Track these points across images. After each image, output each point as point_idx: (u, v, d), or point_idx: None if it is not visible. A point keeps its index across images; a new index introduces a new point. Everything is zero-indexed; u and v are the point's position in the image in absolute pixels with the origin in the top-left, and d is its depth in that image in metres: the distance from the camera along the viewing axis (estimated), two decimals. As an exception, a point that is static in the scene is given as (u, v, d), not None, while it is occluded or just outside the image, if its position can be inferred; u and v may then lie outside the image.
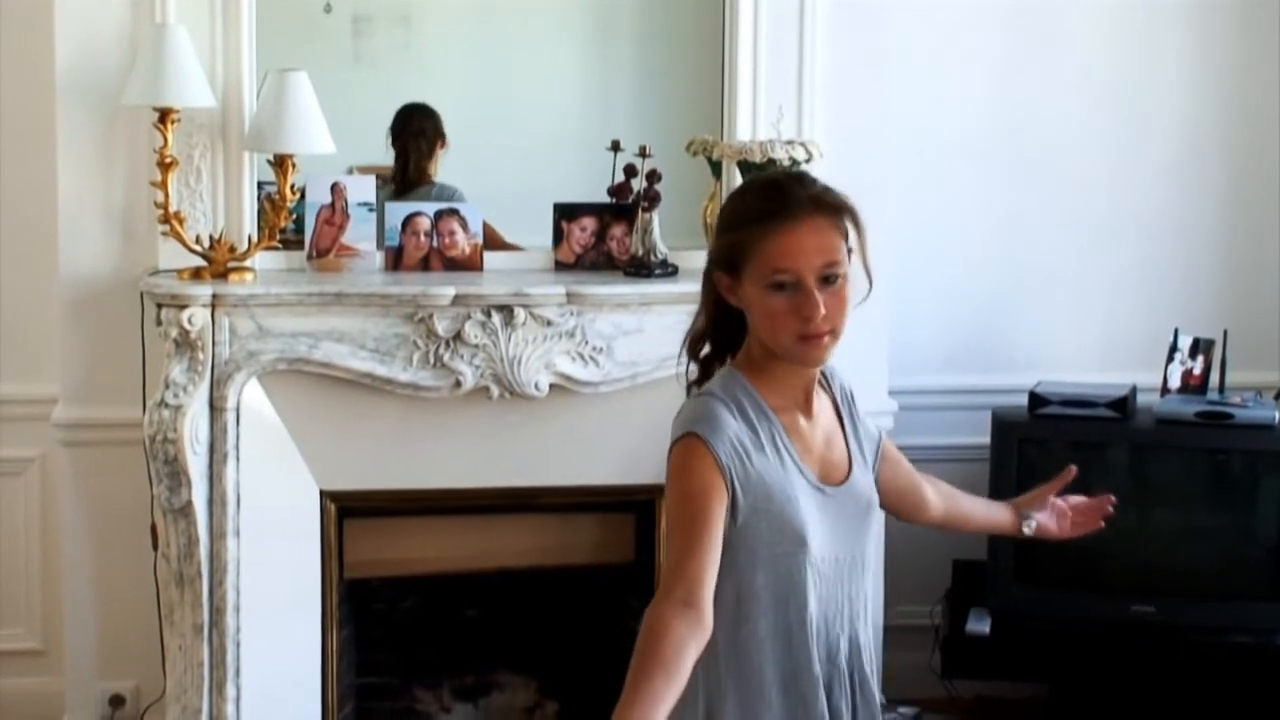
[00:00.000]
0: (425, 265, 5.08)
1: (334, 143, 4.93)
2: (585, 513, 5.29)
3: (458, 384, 4.92)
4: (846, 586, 2.88)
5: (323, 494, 5.04)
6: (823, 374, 2.97)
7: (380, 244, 5.09)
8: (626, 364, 4.98)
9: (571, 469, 5.12)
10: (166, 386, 4.77)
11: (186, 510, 4.82)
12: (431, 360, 4.91)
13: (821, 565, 2.83)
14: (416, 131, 5.33)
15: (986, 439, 5.38)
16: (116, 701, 5.21)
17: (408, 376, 4.91)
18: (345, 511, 5.09)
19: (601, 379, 5.00)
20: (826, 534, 2.84)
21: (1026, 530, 3.23)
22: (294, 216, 4.98)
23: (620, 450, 5.12)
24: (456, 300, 4.89)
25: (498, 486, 5.11)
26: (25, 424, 5.32)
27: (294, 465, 4.98)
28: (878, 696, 2.94)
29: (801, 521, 2.80)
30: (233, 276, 4.88)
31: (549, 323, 4.93)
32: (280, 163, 4.91)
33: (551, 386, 4.96)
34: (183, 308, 4.78)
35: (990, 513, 3.27)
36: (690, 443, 2.75)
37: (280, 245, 5.01)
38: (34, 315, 5.30)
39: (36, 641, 5.44)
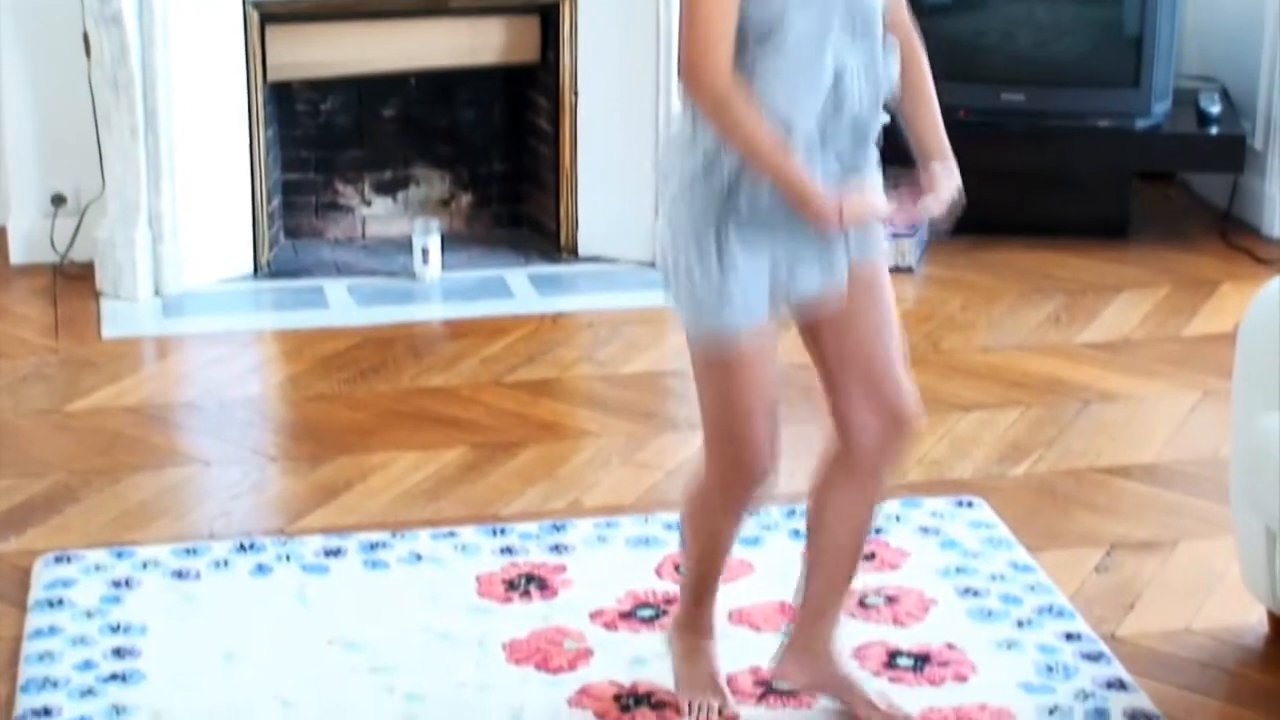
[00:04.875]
0: None
1: None
2: (493, 15, 5.58)
3: (369, -107, 5.14)
4: (860, 44, 2.93)
5: (245, 1, 5.30)
6: None
7: None
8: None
9: (479, -26, 5.42)
10: (91, -101, 4.97)
11: (118, 18, 5.08)
12: None
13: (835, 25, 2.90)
14: None
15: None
16: (59, 200, 5.55)
17: (321, -113, 5.12)
18: (267, 18, 5.35)
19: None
20: None
21: (923, 172, 3.08)
22: None
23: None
24: None
25: (411, -8, 5.41)
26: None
27: (216, -26, 5.24)
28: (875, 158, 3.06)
29: None
30: None
31: None
32: None
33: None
34: None
35: (923, 133, 3.08)
36: None
37: None
38: None
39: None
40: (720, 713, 3.28)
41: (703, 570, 3.30)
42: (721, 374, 3.05)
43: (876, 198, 2.98)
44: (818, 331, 3.11)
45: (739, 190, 2.94)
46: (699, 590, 3.33)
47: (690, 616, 3.35)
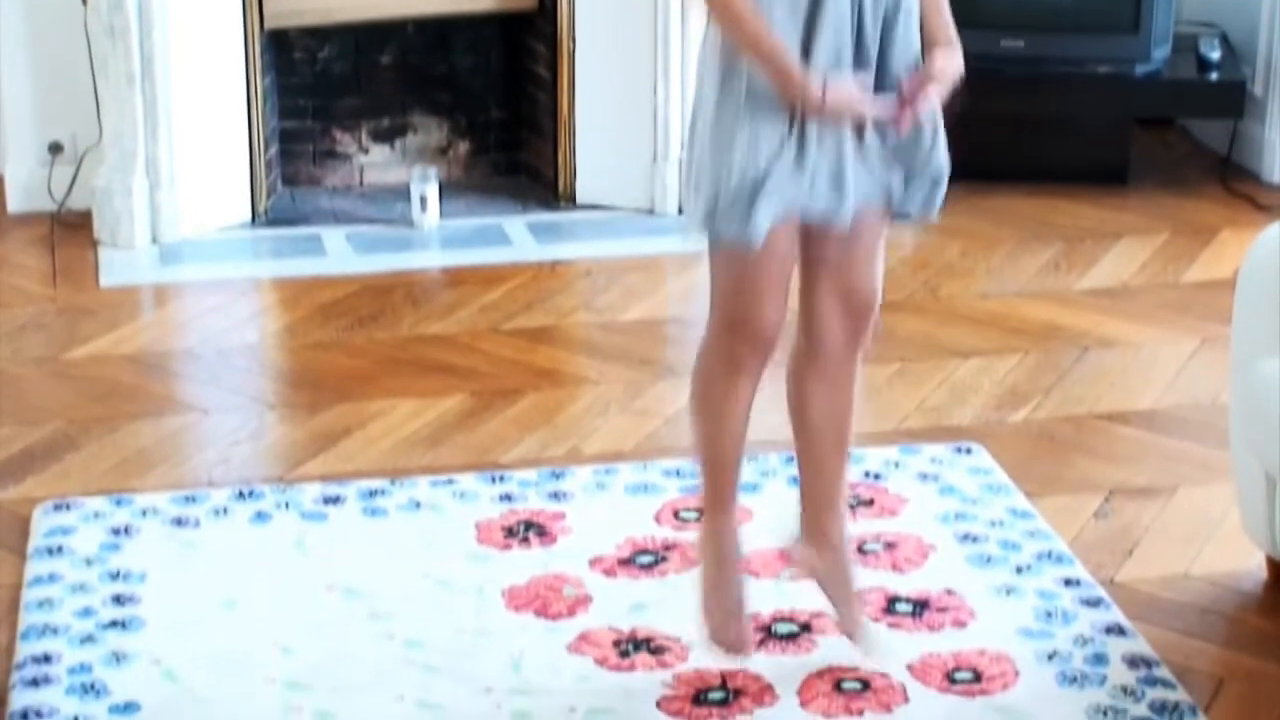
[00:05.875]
0: None
1: None
2: (491, -39, 5.57)
3: None
4: None
5: (241, -52, 5.29)
6: None
7: None
8: None
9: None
10: None
11: (113, -35, 5.07)
12: None
13: None
14: None
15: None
16: (55, 148, 5.53)
17: None
18: (263, -36, 5.35)
19: None
20: None
21: (925, 60, 3.05)
22: None
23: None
24: None
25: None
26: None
27: (212, -80, 5.21)
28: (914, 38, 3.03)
29: None
30: None
31: None
32: None
33: None
34: None
35: (925, 16, 3.04)
36: None
37: None
38: None
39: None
40: (735, 650, 3.24)
41: (713, 458, 3.22)
42: (734, 260, 3.03)
43: (858, 86, 2.92)
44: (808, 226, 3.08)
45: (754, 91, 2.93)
46: (715, 488, 3.24)
47: (712, 528, 3.27)
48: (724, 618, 3.26)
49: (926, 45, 3.03)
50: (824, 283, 3.13)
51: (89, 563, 3.64)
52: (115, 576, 3.59)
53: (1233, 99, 5.80)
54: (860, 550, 3.67)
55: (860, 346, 3.21)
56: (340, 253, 5.31)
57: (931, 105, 2.97)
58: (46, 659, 3.32)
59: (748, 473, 3.57)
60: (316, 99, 5.76)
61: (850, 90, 2.91)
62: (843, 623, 3.33)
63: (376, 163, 5.83)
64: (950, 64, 2.99)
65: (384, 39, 5.74)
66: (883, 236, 3.15)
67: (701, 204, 3.00)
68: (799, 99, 2.89)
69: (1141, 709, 3.19)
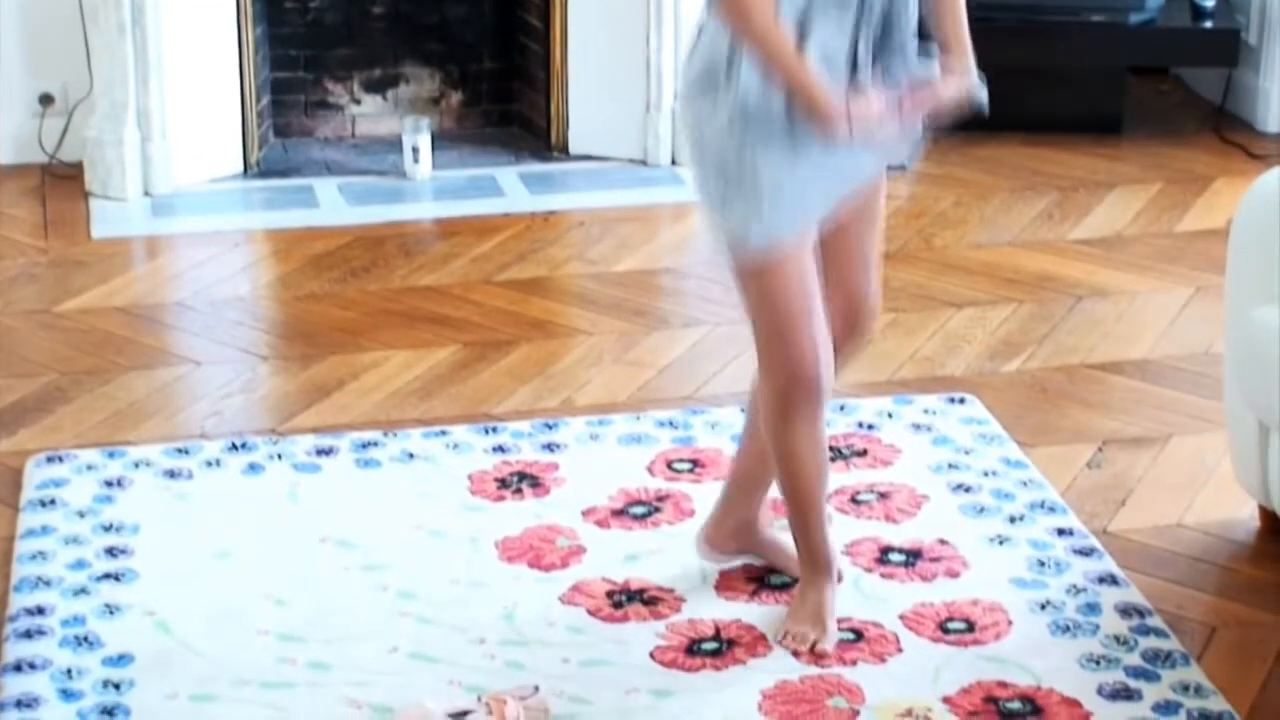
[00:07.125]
0: None
1: None
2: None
3: None
4: None
5: (230, -103, 5.26)
6: None
7: None
8: None
9: None
10: None
11: (102, -85, 5.05)
12: None
13: None
14: None
15: None
16: (46, 100, 5.51)
17: None
18: (253, -86, 5.32)
19: None
20: None
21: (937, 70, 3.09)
22: None
23: None
24: None
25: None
26: None
27: None
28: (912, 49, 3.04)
29: None
30: None
31: None
32: None
33: None
34: None
35: (940, 21, 3.11)
36: None
37: None
38: None
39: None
40: (813, 648, 3.20)
41: (798, 497, 3.20)
42: (762, 278, 3.02)
43: (882, 105, 2.92)
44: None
45: (758, 99, 2.91)
46: (803, 522, 3.23)
47: (804, 550, 3.25)
48: (803, 620, 3.25)
49: (940, 53, 3.06)
50: (827, 286, 3.11)
51: (82, 515, 3.64)
52: (108, 529, 3.59)
53: (1227, 48, 5.78)
54: (853, 500, 3.67)
55: (848, 358, 3.25)
56: (332, 204, 5.30)
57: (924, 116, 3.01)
58: (40, 611, 3.33)
59: (737, 426, 3.57)
60: (308, 49, 5.74)
61: (872, 113, 2.89)
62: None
63: (369, 113, 5.81)
64: (961, 76, 3.04)
65: (376, -12, 5.73)
66: (877, 234, 3.19)
67: (723, 226, 3.00)
68: (827, 128, 2.88)
69: (1134, 658, 3.20)
